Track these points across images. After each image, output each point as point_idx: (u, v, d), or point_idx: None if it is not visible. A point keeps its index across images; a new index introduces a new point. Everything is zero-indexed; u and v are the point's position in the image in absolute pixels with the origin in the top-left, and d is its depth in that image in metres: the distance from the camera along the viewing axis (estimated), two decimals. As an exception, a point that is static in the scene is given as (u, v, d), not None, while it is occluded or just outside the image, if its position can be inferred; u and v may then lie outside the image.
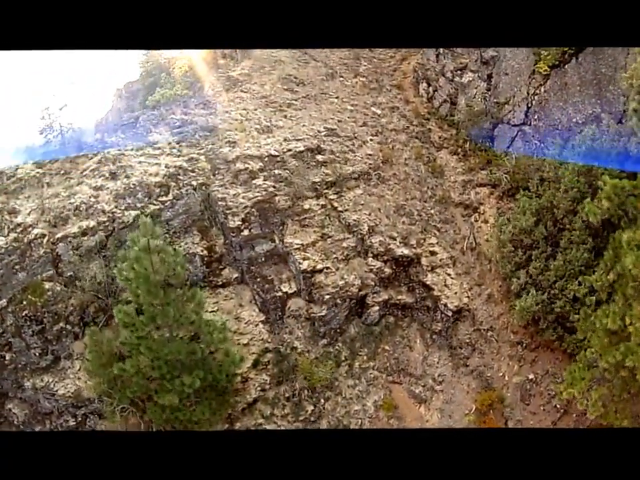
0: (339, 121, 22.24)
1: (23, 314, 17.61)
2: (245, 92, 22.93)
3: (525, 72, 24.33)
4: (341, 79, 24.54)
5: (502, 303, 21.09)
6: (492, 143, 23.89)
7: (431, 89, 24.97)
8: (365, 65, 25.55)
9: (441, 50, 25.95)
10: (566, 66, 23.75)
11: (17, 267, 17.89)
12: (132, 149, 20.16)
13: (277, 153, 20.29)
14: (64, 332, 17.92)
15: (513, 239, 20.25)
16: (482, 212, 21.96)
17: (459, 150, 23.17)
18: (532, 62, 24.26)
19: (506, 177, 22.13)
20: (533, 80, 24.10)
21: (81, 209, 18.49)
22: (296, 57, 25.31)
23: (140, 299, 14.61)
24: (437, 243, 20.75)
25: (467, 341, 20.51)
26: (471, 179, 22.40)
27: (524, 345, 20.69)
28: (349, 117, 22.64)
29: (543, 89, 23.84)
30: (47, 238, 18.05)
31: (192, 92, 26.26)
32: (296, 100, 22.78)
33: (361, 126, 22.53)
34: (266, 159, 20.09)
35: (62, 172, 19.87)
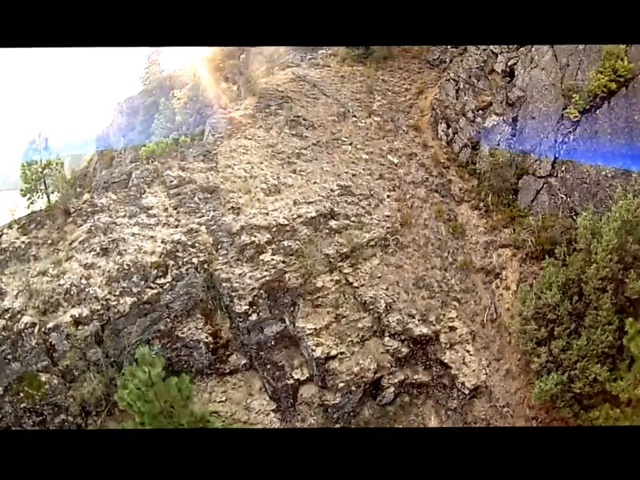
0: (353, 175, 20.32)
1: (22, 406, 16.27)
2: (249, 139, 20.79)
3: (552, 116, 22.40)
4: (354, 118, 22.40)
5: (520, 377, 20.05)
6: (515, 195, 22.20)
7: (450, 130, 22.95)
8: (378, 100, 23.36)
9: (461, 85, 23.80)
10: (597, 111, 21.89)
11: (9, 356, 16.34)
12: (124, 215, 18.19)
13: (286, 222, 18.46)
14: (66, 423, 16.59)
15: (536, 315, 19.06)
16: (504, 277, 20.55)
17: (481, 204, 21.48)
18: (561, 105, 22.31)
19: (531, 239, 20.63)
20: (562, 126, 22.22)
21: (72, 292, 16.72)
22: (304, 91, 23.00)
23: (146, 425, 13.26)
24: (457, 317, 19.40)
25: (482, 417, 19.54)
26: (493, 239, 20.83)
27: (539, 419, 19.89)
28: (363, 169, 20.71)
29: (572, 137, 22.01)
30: (37, 327, 16.38)
31: (190, 122, 23.98)
32: (305, 148, 20.73)
33: (377, 179, 20.65)
34: (274, 229, 18.27)
35: (49, 242, 17.95)
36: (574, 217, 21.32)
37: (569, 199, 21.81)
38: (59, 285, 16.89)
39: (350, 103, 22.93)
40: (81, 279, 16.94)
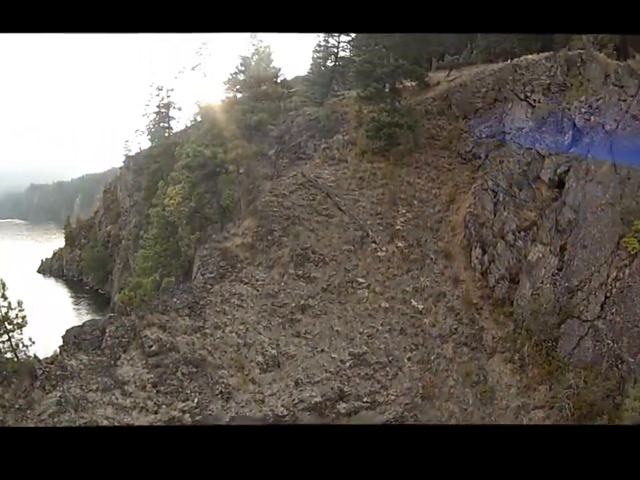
0: (369, 337, 17.35)
1: None
2: (246, 283, 17.76)
3: (607, 245, 18.80)
4: (374, 245, 19.06)
5: None
6: (555, 343, 19.09)
7: (486, 258, 19.49)
8: (403, 214, 19.82)
9: (500, 196, 20.03)
10: (657, 242, 18.34)
11: None
12: (97, 388, 15.84)
13: (285, 411, 15.84)
14: None
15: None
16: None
17: (516, 356, 18.49)
18: (618, 231, 18.68)
19: (568, 404, 17.85)
20: (617, 257, 18.72)
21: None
22: (314, 206, 19.51)
23: None
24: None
25: None
26: (525, 402, 18.03)
27: None
28: (382, 325, 17.69)
29: (627, 271, 18.57)
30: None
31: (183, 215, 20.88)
32: (313, 297, 17.69)
33: (398, 336, 17.65)
34: (271, 421, 15.70)
35: (16, 406, 15.75)
36: (619, 366, 18.50)
37: (615, 344, 18.73)
38: None
39: (369, 220, 19.49)
40: None
